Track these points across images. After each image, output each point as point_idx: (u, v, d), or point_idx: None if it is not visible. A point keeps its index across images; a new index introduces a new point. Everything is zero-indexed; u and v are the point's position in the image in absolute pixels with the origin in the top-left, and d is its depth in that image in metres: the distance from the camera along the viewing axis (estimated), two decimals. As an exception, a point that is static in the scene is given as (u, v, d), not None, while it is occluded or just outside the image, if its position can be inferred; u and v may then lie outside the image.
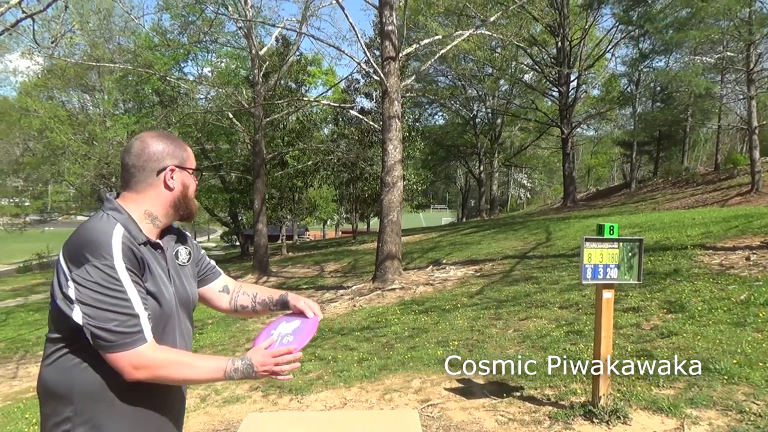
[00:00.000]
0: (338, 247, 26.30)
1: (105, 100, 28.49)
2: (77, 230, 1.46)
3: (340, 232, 52.89)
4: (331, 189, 33.92)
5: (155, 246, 1.54)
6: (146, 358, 1.40)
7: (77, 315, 1.38)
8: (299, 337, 1.63)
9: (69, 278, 1.40)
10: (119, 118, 27.43)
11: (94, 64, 19.70)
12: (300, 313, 1.73)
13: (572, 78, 28.41)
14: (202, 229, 59.25)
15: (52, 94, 28.90)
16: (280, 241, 30.53)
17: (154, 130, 1.64)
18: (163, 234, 1.62)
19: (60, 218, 34.51)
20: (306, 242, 41.23)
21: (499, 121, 37.45)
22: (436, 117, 41.35)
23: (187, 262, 1.68)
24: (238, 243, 39.61)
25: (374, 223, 38.90)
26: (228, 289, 1.84)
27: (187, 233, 1.73)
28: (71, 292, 1.39)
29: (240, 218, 34.89)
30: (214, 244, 61.30)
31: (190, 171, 1.62)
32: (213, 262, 1.86)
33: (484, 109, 37.50)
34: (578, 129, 34.12)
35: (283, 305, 1.80)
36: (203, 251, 1.82)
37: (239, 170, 25.87)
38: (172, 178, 1.56)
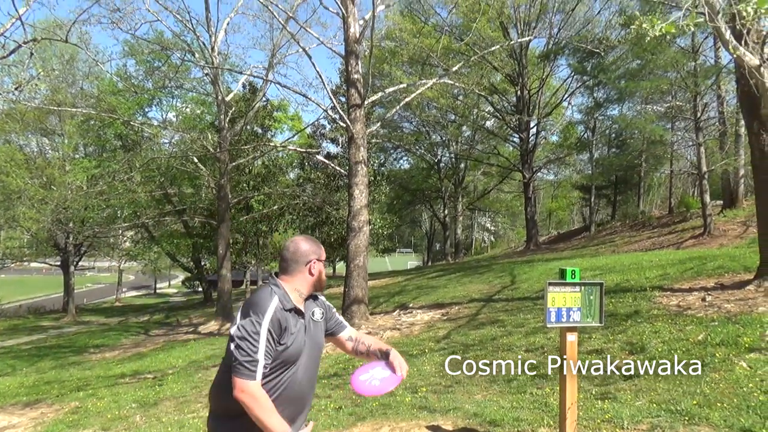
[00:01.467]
0: (304, 292, 25.91)
1: (65, 144, 28.01)
2: (251, 296, 2.25)
3: (305, 277, 52.22)
4: (296, 233, 33.67)
5: (298, 312, 2.27)
6: (249, 388, 2.07)
7: (232, 345, 2.13)
8: (382, 385, 2.26)
9: (236, 324, 2.15)
10: (79, 162, 26.96)
11: (55, 108, 19.43)
12: (393, 368, 2.33)
13: (532, 125, 29.36)
14: (164, 275, 57.30)
15: (9, 137, 28.24)
16: (244, 287, 30.00)
17: (302, 235, 2.43)
18: (306, 299, 2.35)
19: (13, 265, 33.14)
20: (271, 287, 40.46)
21: (462, 165, 38.19)
22: (401, 162, 41.98)
23: (320, 319, 2.42)
24: (200, 288, 38.66)
25: (340, 267, 38.69)
26: (352, 339, 2.57)
27: (322, 297, 2.50)
28: (233, 332, 2.14)
29: (203, 263, 34.16)
30: (175, 290, 59.42)
31: (323, 261, 2.38)
32: (341, 318, 2.58)
33: (447, 154, 38.24)
34: (539, 173, 35.07)
35: (385, 356, 2.43)
36: (334, 309, 2.57)
37: (203, 215, 25.50)
38: (314, 267, 2.33)
